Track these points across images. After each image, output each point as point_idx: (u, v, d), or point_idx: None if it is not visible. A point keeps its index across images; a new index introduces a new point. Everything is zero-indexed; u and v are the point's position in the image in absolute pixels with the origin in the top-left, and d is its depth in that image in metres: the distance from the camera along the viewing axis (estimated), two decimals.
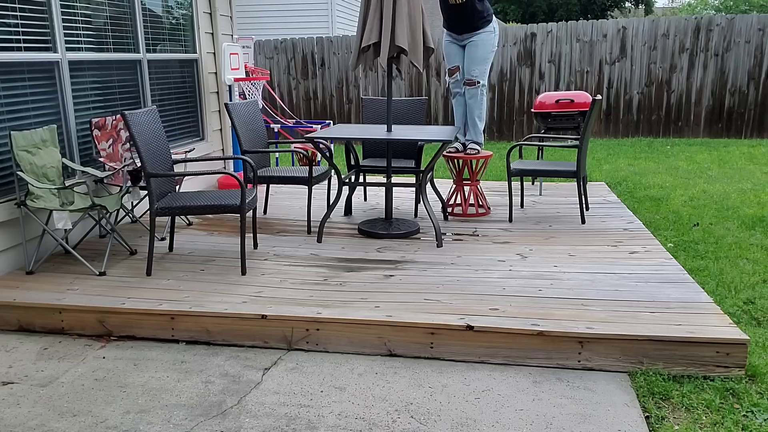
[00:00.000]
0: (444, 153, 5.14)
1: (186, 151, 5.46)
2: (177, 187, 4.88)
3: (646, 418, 2.64)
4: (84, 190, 4.59)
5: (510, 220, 5.12)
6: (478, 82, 5.18)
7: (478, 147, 5.28)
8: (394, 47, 4.44)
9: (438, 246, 4.45)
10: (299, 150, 5.20)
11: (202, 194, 4.13)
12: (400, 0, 4.34)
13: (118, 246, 4.55)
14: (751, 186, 6.95)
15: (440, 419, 2.65)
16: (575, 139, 5.46)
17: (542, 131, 6.46)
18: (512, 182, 5.27)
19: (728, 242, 4.94)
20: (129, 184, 4.48)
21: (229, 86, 6.57)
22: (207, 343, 3.40)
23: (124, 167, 4.58)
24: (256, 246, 4.49)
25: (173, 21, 5.94)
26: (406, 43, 4.36)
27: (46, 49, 4.34)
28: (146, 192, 4.32)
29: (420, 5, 4.45)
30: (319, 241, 4.62)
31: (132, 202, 5.14)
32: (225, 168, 6.86)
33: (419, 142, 5.15)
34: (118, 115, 4.93)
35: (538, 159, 6.35)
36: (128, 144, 4.93)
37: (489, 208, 5.46)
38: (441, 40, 5.82)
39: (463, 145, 5.37)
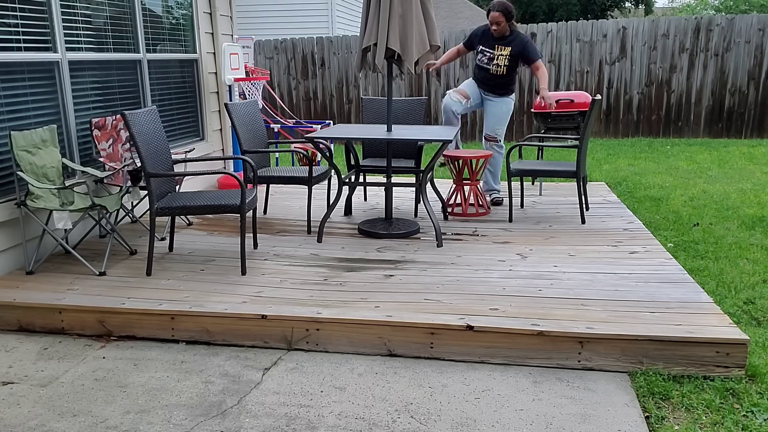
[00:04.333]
0: (444, 153, 5.14)
1: (186, 151, 5.46)
2: (177, 187, 4.88)
3: (646, 418, 2.64)
4: (84, 190, 4.59)
5: (510, 220, 5.12)
6: (499, 140, 5.58)
7: (498, 193, 5.75)
8: (389, 49, 4.43)
9: (438, 246, 4.45)
10: (299, 150, 5.20)
11: (202, 194, 4.13)
12: (393, 1, 4.32)
13: (118, 246, 4.55)
14: (751, 186, 6.95)
15: (440, 419, 2.65)
16: (575, 139, 5.46)
17: (542, 131, 6.46)
18: (512, 182, 5.27)
19: (728, 242, 4.94)
20: (129, 184, 4.48)
21: (229, 86, 6.57)
22: (207, 343, 3.40)
23: (124, 167, 4.58)
24: (256, 246, 4.49)
25: (173, 21, 5.94)
26: (397, 45, 4.34)
27: (46, 49, 4.34)
28: (146, 192, 4.32)
29: (414, 5, 4.38)
30: (319, 241, 4.62)
31: (132, 202, 5.14)
32: (225, 168, 6.86)
33: (419, 142, 5.15)
34: (118, 115, 4.93)
35: (538, 159, 6.35)
36: (128, 144, 4.93)
37: (489, 208, 5.46)
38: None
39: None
